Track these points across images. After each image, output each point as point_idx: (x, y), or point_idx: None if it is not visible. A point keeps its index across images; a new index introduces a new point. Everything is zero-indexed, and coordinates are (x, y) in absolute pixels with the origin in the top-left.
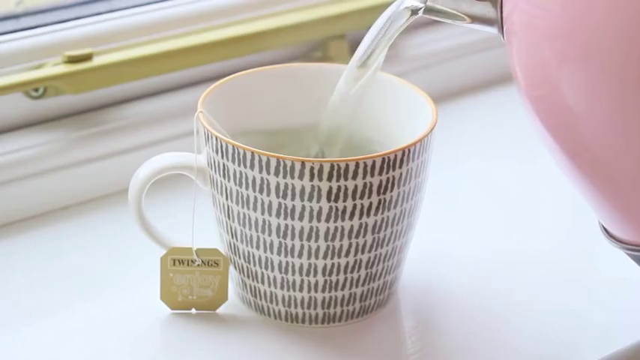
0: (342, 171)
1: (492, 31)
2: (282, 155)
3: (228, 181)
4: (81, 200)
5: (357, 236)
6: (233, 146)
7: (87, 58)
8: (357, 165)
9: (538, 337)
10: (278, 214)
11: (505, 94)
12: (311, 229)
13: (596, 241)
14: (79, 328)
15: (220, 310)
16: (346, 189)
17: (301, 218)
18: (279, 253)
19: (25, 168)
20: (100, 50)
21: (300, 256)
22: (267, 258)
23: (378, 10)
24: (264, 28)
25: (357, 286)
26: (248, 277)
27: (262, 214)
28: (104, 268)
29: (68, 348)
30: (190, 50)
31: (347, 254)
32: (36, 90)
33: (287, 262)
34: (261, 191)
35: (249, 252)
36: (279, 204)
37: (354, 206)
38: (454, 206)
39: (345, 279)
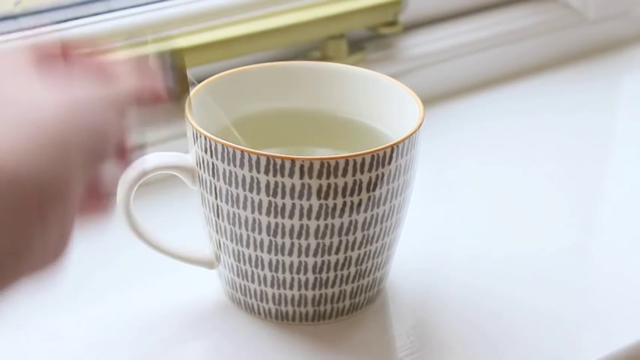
0: (331, 168)
1: None
2: (272, 153)
3: (218, 180)
4: None
5: (346, 233)
6: (222, 145)
7: None
8: (346, 162)
9: (535, 336)
10: (268, 213)
11: (505, 94)
12: (301, 226)
13: (595, 240)
14: (77, 328)
15: (210, 310)
16: (336, 186)
17: (291, 216)
18: (269, 252)
19: None
20: None
21: (290, 254)
22: (257, 256)
23: (378, 10)
24: (263, 27)
25: (346, 283)
26: (238, 275)
27: (252, 212)
28: (102, 268)
29: (67, 348)
30: (189, 50)
31: (337, 251)
32: None
33: (277, 261)
34: (251, 190)
35: (239, 251)
36: (269, 202)
37: (344, 203)
38: (449, 205)
39: (335, 276)
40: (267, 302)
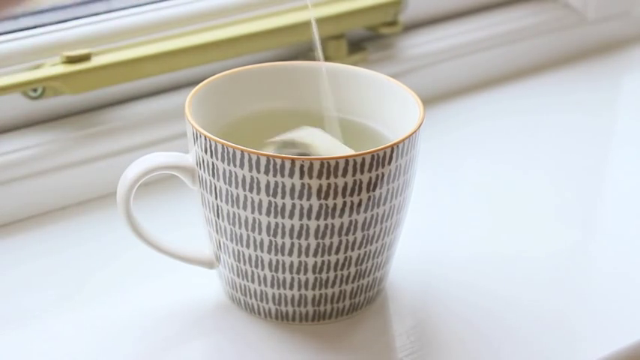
0: (331, 168)
1: None
2: (272, 154)
3: (218, 180)
4: (80, 200)
5: (347, 233)
6: (222, 145)
7: (85, 58)
8: (346, 162)
9: (535, 336)
10: (268, 213)
11: (505, 94)
12: (301, 226)
13: (595, 240)
14: (77, 328)
15: (210, 310)
16: (336, 186)
17: (291, 216)
18: (269, 252)
19: (23, 168)
20: (99, 50)
21: (290, 254)
22: (257, 256)
23: (378, 10)
24: (262, 27)
25: (346, 283)
26: (238, 275)
27: (252, 212)
28: (103, 268)
29: (67, 348)
30: (189, 50)
31: (337, 251)
32: (34, 90)
33: (277, 261)
34: (251, 190)
35: (239, 251)
36: (269, 202)
37: (344, 203)
38: (449, 205)
39: (335, 276)
40: (267, 302)
